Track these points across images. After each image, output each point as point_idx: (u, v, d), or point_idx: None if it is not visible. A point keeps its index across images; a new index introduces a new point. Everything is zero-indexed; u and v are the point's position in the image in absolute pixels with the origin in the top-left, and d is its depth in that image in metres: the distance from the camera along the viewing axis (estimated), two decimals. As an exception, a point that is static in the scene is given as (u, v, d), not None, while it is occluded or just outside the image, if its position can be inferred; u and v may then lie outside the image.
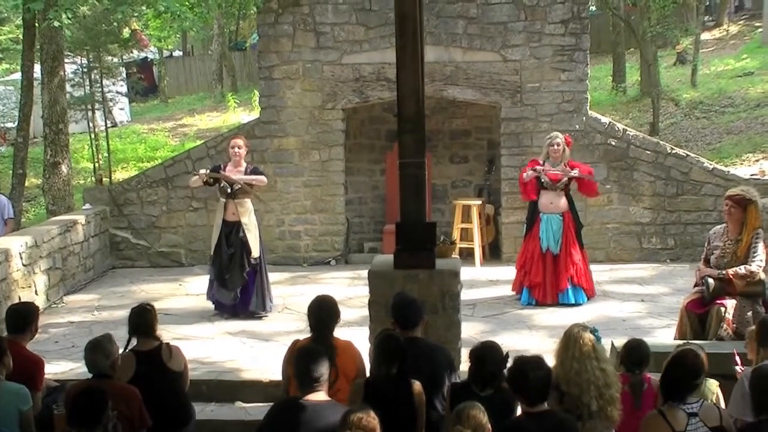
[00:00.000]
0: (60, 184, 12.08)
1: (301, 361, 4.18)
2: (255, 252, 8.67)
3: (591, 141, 10.91)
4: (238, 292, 8.71)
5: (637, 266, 10.68)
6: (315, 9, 10.97)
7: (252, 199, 8.80)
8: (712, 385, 4.70)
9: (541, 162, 8.98)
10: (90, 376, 4.74)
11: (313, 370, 4.10)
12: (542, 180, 8.88)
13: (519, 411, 4.24)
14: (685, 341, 5.38)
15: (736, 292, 6.50)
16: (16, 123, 12.90)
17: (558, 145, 8.89)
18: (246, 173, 8.74)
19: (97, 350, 4.71)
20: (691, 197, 10.89)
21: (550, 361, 4.36)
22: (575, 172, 8.85)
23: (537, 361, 4.12)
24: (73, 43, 13.09)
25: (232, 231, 8.66)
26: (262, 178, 8.85)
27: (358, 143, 11.97)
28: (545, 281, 8.87)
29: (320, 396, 4.11)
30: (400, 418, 4.34)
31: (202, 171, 8.88)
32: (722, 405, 4.56)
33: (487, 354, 4.45)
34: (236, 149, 8.74)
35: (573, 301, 8.85)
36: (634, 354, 4.72)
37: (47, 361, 7.20)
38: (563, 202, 8.93)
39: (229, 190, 8.66)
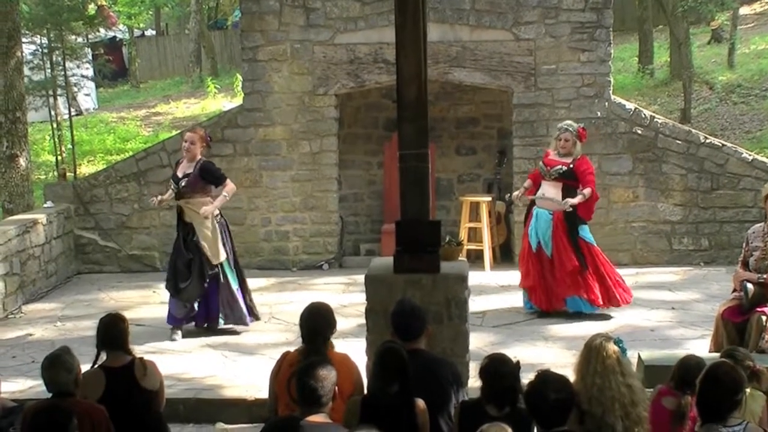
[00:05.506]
0: (18, 179, 12.08)
1: (306, 376, 4.16)
2: (212, 259, 8.37)
3: (614, 129, 10.93)
4: (196, 305, 8.50)
5: (666, 270, 10.71)
6: (304, -18, 11.01)
7: (210, 201, 8.42)
8: (760, 399, 4.67)
9: (552, 153, 8.90)
10: (50, 396, 4.73)
11: (319, 389, 4.11)
12: (542, 170, 8.78)
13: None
14: (730, 347, 5.34)
15: (778, 298, 6.53)
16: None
17: (567, 140, 8.66)
18: (195, 169, 8.38)
19: (57, 365, 4.68)
20: (727, 192, 10.92)
21: (570, 376, 4.36)
22: (571, 202, 8.47)
23: (560, 381, 4.11)
24: (32, 21, 13.10)
25: (189, 233, 8.44)
26: (230, 188, 8.47)
27: (352, 133, 11.99)
28: (544, 285, 8.69)
29: (321, 417, 4.11)
30: (402, 440, 4.35)
31: (155, 199, 8.79)
32: None
33: (499, 369, 4.46)
34: (187, 144, 8.47)
35: (577, 310, 8.66)
36: (690, 374, 4.60)
37: (3, 378, 7.18)
38: (554, 195, 8.63)
39: (175, 190, 8.49)
